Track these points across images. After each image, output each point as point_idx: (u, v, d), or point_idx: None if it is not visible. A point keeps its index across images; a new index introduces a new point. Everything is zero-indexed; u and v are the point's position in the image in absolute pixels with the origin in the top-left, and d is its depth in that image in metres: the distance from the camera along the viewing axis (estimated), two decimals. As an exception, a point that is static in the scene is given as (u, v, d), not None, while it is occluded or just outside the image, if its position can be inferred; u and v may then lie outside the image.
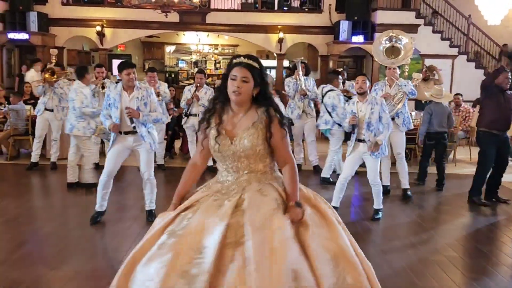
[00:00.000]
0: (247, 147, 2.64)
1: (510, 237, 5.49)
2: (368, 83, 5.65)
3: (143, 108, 5.26)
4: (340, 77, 8.10)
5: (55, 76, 7.91)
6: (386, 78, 6.86)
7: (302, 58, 8.55)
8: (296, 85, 8.14)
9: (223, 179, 2.72)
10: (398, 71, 6.81)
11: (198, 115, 7.92)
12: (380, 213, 5.89)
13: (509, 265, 4.68)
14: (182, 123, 8.26)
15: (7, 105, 9.11)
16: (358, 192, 7.24)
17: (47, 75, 7.85)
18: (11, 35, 13.90)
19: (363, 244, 5.06)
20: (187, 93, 8.10)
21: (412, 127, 6.92)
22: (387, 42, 6.80)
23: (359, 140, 5.68)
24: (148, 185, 5.51)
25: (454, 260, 4.74)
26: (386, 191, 6.87)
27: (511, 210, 6.56)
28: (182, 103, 8.19)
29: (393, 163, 6.96)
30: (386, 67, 7.00)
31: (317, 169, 8.33)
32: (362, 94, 5.63)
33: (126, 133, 5.29)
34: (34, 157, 8.12)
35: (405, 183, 6.81)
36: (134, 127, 5.24)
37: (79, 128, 6.68)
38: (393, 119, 6.50)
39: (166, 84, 8.61)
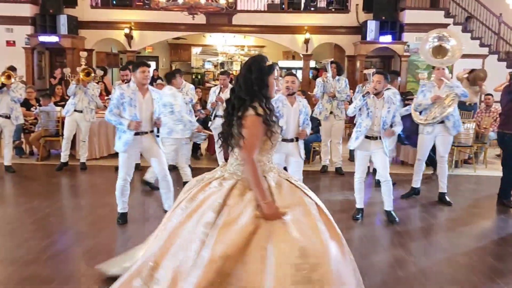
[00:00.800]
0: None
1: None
2: (384, 83, 5.54)
3: (157, 109, 5.39)
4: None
5: (90, 77, 8.06)
6: (433, 78, 6.53)
7: (332, 59, 8.44)
8: (323, 87, 8.07)
9: (267, 167, 3.07)
10: (447, 71, 6.53)
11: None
12: (394, 213, 5.77)
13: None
14: (209, 124, 8.28)
15: (38, 107, 9.29)
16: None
17: (82, 75, 7.99)
18: (42, 38, 14.17)
19: (391, 245, 5.01)
20: (213, 95, 8.10)
21: (462, 130, 6.62)
22: (436, 40, 6.38)
23: (368, 137, 5.59)
24: (164, 184, 5.56)
25: (484, 264, 4.66)
26: (417, 192, 6.82)
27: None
28: (209, 105, 8.21)
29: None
30: (433, 67, 6.63)
31: (339, 171, 8.26)
32: (376, 95, 5.55)
33: (140, 133, 5.32)
34: (64, 157, 8.26)
35: (443, 187, 6.64)
36: (158, 136, 5.35)
37: (178, 131, 6.65)
38: (442, 122, 6.30)
39: (191, 86, 8.18)
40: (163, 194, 5.62)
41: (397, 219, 5.70)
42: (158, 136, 5.37)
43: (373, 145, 5.61)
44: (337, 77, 8.09)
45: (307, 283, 2.58)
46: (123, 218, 5.48)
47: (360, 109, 5.63)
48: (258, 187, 2.87)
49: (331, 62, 8.20)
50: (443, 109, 6.21)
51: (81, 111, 8.10)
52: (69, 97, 8.33)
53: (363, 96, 5.54)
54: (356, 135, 5.67)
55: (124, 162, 5.38)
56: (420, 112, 6.50)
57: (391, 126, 5.61)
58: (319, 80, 8.28)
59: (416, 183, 6.79)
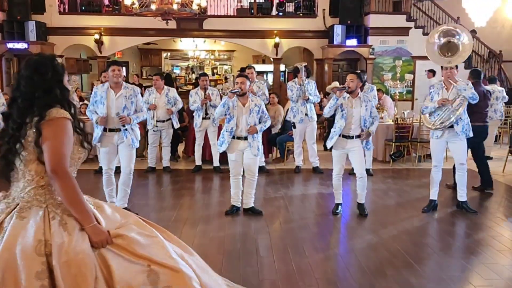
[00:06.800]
0: None
1: (496, 222, 5.82)
2: (357, 81, 5.76)
3: (129, 106, 5.60)
4: None
5: None
6: (442, 80, 6.03)
7: (306, 63, 8.64)
8: (299, 90, 8.17)
9: None
10: (456, 72, 6.00)
11: (210, 117, 8.15)
12: (365, 206, 5.98)
13: (491, 244, 5.04)
14: (197, 126, 8.31)
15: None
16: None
17: None
18: (10, 45, 13.84)
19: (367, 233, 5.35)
20: (195, 96, 8.21)
21: (471, 134, 5.96)
22: (443, 37, 5.96)
23: (344, 136, 5.79)
24: (126, 180, 5.71)
25: (444, 243, 5.12)
26: (435, 205, 6.29)
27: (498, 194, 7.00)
28: (193, 106, 8.22)
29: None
30: (442, 68, 6.13)
31: (318, 170, 8.49)
32: (350, 93, 5.76)
33: (110, 130, 5.60)
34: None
35: (462, 194, 6.18)
36: (126, 130, 5.57)
37: None
38: (451, 126, 5.86)
39: (174, 89, 8.68)
40: (120, 190, 5.73)
41: (366, 212, 5.93)
42: (126, 130, 5.57)
43: (349, 144, 5.80)
44: (307, 80, 8.22)
45: None
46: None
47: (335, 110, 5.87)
48: (80, 207, 2.30)
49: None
50: (450, 113, 5.81)
51: None
52: None
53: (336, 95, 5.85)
54: (331, 135, 5.89)
55: (103, 158, 5.81)
56: (430, 115, 6.11)
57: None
58: (291, 84, 8.35)
59: (434, 194, 6.26)
